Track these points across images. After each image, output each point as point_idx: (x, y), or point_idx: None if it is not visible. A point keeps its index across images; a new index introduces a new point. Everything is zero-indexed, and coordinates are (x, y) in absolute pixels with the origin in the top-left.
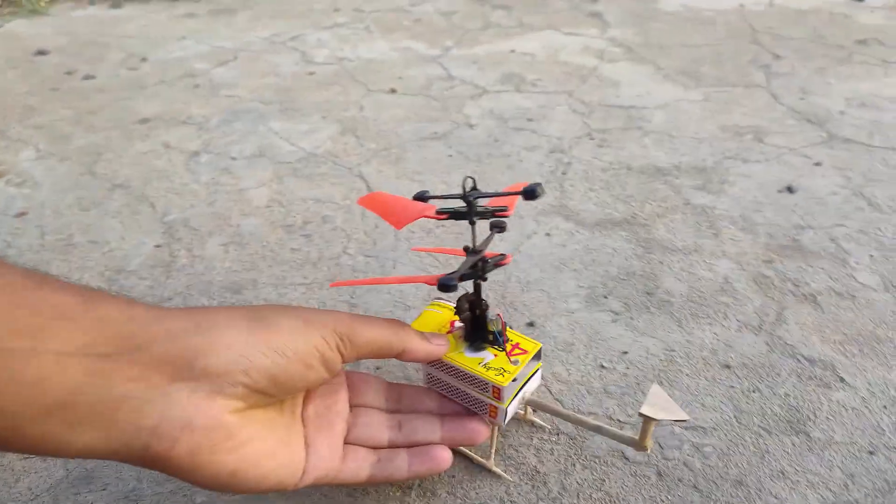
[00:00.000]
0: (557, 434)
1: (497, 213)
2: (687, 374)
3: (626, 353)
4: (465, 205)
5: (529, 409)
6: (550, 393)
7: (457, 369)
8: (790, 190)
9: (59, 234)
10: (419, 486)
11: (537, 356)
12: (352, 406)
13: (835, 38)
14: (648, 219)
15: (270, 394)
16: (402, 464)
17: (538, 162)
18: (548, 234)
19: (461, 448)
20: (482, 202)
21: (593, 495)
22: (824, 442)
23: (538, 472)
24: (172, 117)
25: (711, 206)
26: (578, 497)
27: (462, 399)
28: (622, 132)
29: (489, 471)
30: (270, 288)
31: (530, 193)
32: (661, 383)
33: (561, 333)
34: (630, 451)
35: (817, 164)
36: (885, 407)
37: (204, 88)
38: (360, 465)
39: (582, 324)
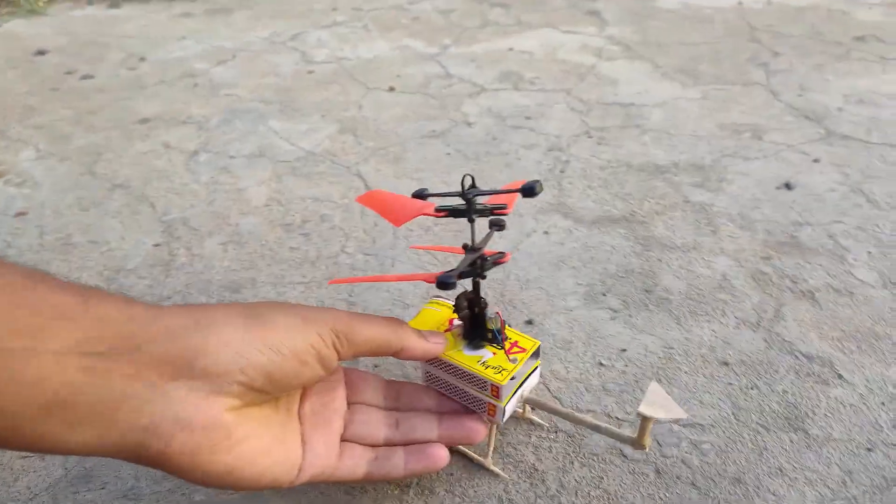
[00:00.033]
0: (556, 432)
1: (496, 211)
2: (685, 372)
3: (624, 350)
4: (463, 203)
5: (528, 407)
6: (549, 391)
7: (455, 367)
8: (788, 187)
9: (59, 234)
10: (417, 484)
11: (536, 354)
12: (349, 403)
13: (833, 35)
14: (647, 216)
15: (266, 391)
16: (398, 462)
17: (536, 160)
18: (546, 232)
19: (459, 446)
20: (481, 200)
21: (591, 493)
22: (822, 439)
23: (536, 469)
24: (172, 117)
25: (710, 203)
26: (577, 495)
27: (460, 397)
28: (620, 130)
29: (487, 469)
30: (269, 287)
31: (529, 191)
32: (659, 381)
33: (559, 331)
34: (628, 449)
35: (815, 160)
36: (883, 404)
37: (203, 88)
38: (356, 463)
39: (580, 321)
